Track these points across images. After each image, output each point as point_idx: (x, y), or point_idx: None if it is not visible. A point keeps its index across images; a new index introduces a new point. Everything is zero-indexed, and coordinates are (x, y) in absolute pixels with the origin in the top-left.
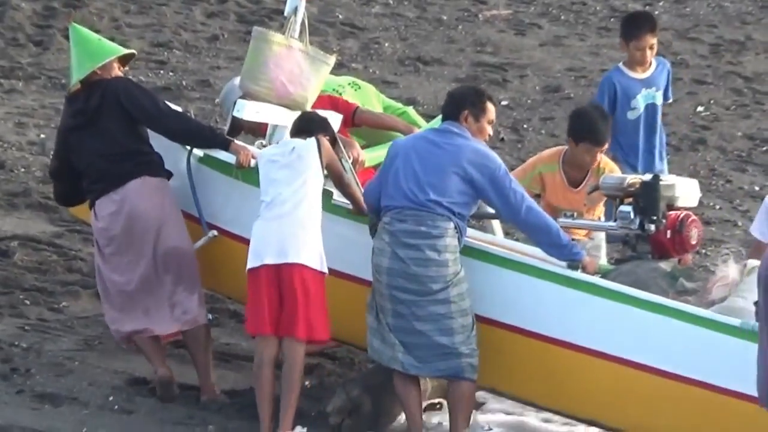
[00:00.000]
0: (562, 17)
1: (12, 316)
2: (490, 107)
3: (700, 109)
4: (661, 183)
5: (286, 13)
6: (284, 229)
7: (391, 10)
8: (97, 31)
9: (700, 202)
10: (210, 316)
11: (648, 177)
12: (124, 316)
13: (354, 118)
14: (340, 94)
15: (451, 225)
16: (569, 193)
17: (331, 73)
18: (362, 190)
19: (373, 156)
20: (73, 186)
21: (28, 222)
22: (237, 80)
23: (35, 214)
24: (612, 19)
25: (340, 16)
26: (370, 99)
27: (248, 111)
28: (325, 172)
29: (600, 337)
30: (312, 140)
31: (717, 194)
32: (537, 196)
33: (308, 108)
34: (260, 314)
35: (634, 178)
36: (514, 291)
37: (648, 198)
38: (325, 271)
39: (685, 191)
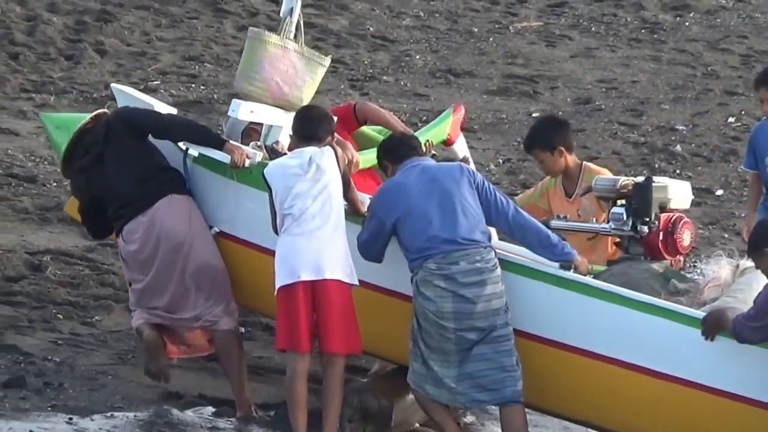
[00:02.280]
0: (593, 29)
1: (45, 330)
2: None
3: (731, 120)
4: (653, 185)
5: (281, 14)
6: (317, 245)
7: (422, 23)
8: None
9: (732, 213)
10: (242, 329)
11: (641, 179)
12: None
13: (356, 114)
14: None
15: (494, 253)
16: (566, 204)
17: (358, 85)
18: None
19: (368, 158)
20: (104, 218)
21: (61, 236)
22: None
23: (67, 228)
24: (642, 31)
25: (371, 29)
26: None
27: (243, 111)
28: None
29: (591, 337)
30: (329, 150)
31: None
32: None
33: None
34: (296, 330)
35: (626, 180)
36: (506, 291)
37: (640, 200)
38: (356, 282)
39: (678, 193)
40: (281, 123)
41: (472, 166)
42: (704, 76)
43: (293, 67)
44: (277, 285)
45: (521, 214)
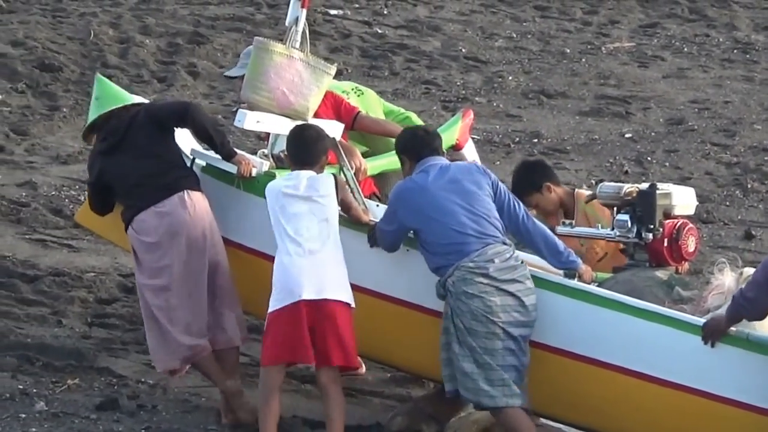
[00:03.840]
0: (685, 49)
1: (138, 352)
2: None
3: None
4: (657, 192)
5: (287, 23)
6: (318, 266)
7: (514, 44)
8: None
9: None
10: None
11: (645, 186)
12: (167, 344)
13: (354, 123)
14: None
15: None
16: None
17: (450, 106)
18: (363, 200)
19: (375, 165)
20: (110, 198)
21: None
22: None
23: None
24: (735, 51)
25: (464, 50)
26: (372, 104)
27: (249, 120)
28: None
29: (595, 345)
30: (330, 178)
31: None
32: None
33: (310, 117)
34: (301, 345)
35: (631, 187)
36: None
37: (645, 206)
38: (353, 305)
39: (682, 200)
40: (288, 132)
41: None
42: None
43: (299, 76)
44: (279, 305)
45: (531, 218)
